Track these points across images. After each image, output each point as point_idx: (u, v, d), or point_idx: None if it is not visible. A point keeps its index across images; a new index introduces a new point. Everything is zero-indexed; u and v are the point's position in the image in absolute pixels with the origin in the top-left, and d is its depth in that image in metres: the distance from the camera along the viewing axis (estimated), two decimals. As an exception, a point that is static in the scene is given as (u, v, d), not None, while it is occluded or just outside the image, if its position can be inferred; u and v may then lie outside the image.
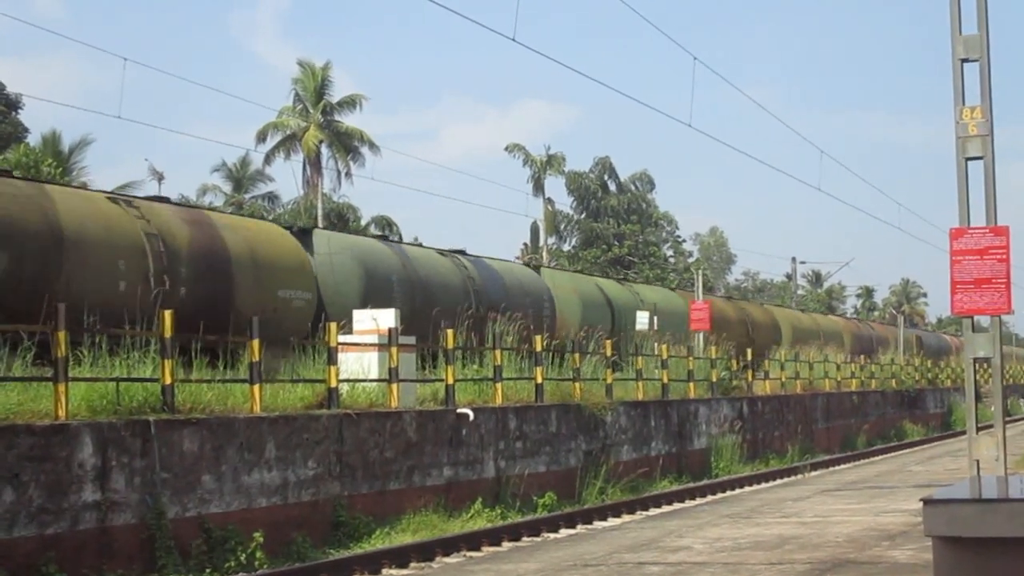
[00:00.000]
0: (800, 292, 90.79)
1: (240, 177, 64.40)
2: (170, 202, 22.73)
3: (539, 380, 24.53)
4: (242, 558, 15.97)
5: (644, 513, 23.02)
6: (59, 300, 15.66)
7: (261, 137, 62.46)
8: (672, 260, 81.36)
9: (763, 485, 28.65)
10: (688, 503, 24.63)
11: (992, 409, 13.11)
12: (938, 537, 6.70)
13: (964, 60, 12.88)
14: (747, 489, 27.62)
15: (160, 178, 58.62)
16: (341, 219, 60.04)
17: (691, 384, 32.40)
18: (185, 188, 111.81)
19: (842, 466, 34.21)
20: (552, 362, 26.65)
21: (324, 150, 62.15)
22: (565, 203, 78.00)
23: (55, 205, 18.63)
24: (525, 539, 19.24)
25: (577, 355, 26.44)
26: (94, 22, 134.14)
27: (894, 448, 43.10)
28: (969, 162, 12.80)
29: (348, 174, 62.87)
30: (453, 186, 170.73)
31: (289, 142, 62.24)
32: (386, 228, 62.27)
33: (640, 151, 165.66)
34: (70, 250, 18.41)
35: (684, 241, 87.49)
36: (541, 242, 75.89)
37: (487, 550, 18.05)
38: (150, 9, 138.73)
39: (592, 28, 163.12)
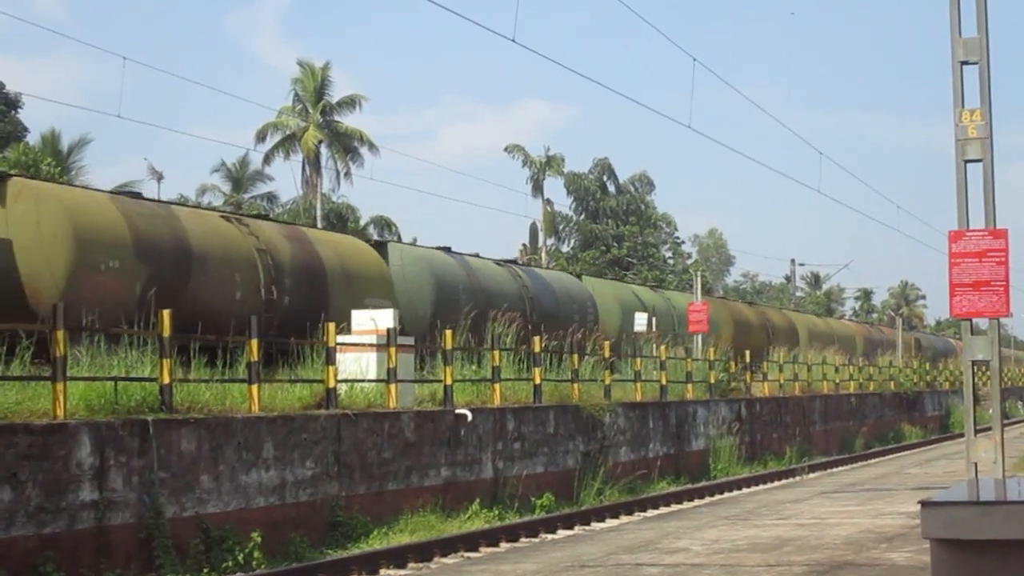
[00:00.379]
0: (799, 294, 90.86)
1: (239, 177, 64.42)
2: (269, 219, 24.84)
3: (537, 381, 24.53)
4: (240, 558, 15.97)
5: (642, 514, 23.02)
6: (187, 309, 18.01)
7: (260, 137, 62.57)
8: (671, 261, 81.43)
9: (761, 487, 28.64)
10: (686, 504, 24.62)
11: (990, 412, 13.11)
12: (936, 539, 6.70)
13: (964, 62, 12.88)
14: (745, 491, 27.61)
15: (159, 177, 58.74)
16: (340, 219, 60.11)
17: (689, 386, 32.42)
18: (184, 188, 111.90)
19: (840, 468, 34.20)
20: (550, 363, 26.67)
21: (323, 150, 62.19)
22: (564, 204, 78.15)
23: (182, 224, 20.95)
24: (523, 540, 19.24)
25: (575, 356, 26.43)
26: (94, 21, 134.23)
27: (892, 450, 43.09)
28: (968, 164, 12.80)
29: (347, 174, 62.94)
30: (452, 186, 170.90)
31: (288, 142, 62.27)
32: (385, 228, 62.34)
33: (639, 152, 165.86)
34: (196, 264, 20.66)
35: (683, 242, 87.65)
36: (540, 243, 75.91)
37: (485, 551, 18.05)
38: (150, 8, 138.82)
39: (591, 29, 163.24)
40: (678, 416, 30.79)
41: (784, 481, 30.09)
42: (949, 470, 25.33)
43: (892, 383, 53.27)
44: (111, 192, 21.53)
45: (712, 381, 33.96)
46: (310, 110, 62.00)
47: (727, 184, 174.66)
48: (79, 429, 14.37)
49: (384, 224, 63.77)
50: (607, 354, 28.03)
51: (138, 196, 21.78)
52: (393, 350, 20.25)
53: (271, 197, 65.12)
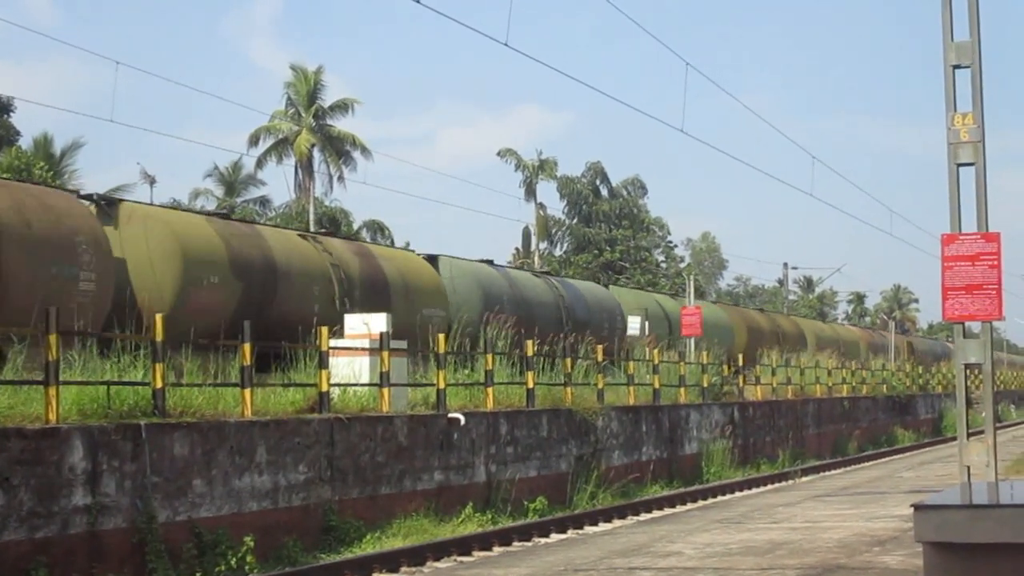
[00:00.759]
0: (792, 298, 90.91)
1: (232, 181, 64.36)
2: (337, 236, 26.90)
3: (530, 385, 24.53)
4: (232, 562, 15.94)
5: (635, 518, 23.02)
6: (273, 320, 19.84)
7: (253, 141, 62.54)
8: (664, 265, 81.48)
9: (754, 490, 28.66)
10: (679, 508, 24.62)
11: (983, 415, 13.12)
12: (928, 543, 6.71)
13: (956, 66, 12.90)
14: (738, 494, 27.62)
15: (152, 182, 58.61)
16: (333, 223, 60.00)
17: (682, 389, 32.43)
18: (177, 192, 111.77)
19: (833, 472, 34.22)
20: (543, 367, 26.69)
21: (316, 154, 62.19)
22: (557, 208, 78.17)
23: (268, 242, 23.11)
24: (516, 544, 19.23)
25: (569, 360, 26.43)
26: (87, 25, 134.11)
27: (885, 454, 43.13)
28: (961, 168, 12.82)
29: (340, 178, 62.97)
30: (446, 191, 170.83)
31: (281, 146, 62.25)
32: (378, 233, 62.30)
33: (632, 156, 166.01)
34: (281, 279, 22.80)
35: (676, 246, 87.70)
36: (533, 247, 75.92)
37: (478, 555, 18.04)
38: (143, 13, 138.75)
39: (584, 33, 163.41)
40: (671, 420, 30.81)
41: (777, 485, 30.10)
42: (942, 473, 25.35)
43: (885, 386, 53.33)
44: (206, 214, 23.85)
45: (705, 385, 33.97)
46: (303, 114, 62.00)
47: (720, 188, 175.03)
48: (72, 433, 14.35)
49: (377, 228, 63.71)
50: (600, 358, 28.04)
51: (226, 216, 24.17)
52: (386, 354, 20.24)
53: (264, 201, 65.12)
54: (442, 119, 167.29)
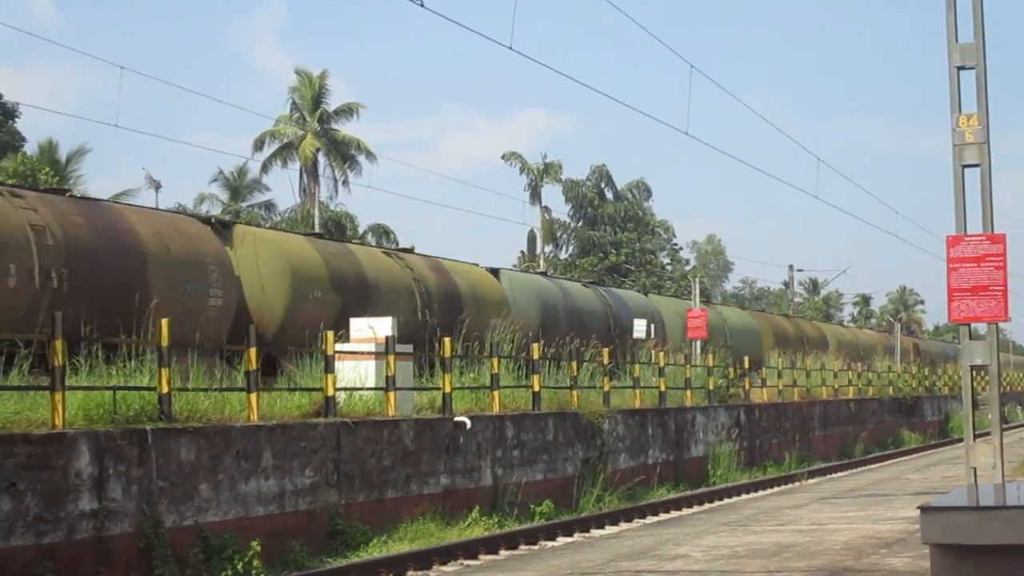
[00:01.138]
0: (797, 300, 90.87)
1: (237, 186, 64.39)
2: (414, 252, 29.14)
3: (536, 388, 24.51)
4: (239, 567, 15.95)
5: (641, 521, 23.01)
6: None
7: (258, 145, 62.57)
8: (669, 268, 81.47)
9: (760, 493, 28.64)
10: (685, 511, 24.62)
11: (989, 416, 13.10)
12: (935, 544, 6.71)
13: (960, 68, 12.89)
14: (744, 497, 27.61)
15: (157, 187, 58.70)
16: (338, 228, 60.13)
17: (688, 392, 32.40)
18: (183, 197, 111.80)
19: (839, 474, 34.20)
20: (549, 370, 26.71)
21: (321, 158, 62.21)
22: (562, 211, 78.21)
23: (359, 259, 25.68)
24: (522, 547, 19.23)
25: (575, 363, 26.43)
26: (91, 30, 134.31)
27: (891, 456, 43.09)
28: (966, 169, 12.81)
29: (345, 182, 62.98)
30: (450, 195, 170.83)
31: (286, 150, 62.28)
32: (383, 237, 62.35)
33: (637, 159, 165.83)
34: (372, 293, 25.19)
35: (681, 249, 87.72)
36: (538, 250, 75.92)
37: (484, 558, 18.04)
38: (147, 16, 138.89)
39: (588, 36, 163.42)
40: (677, 423, 30.79)
41: (783, 487, 30.09)
42: (948, 475, 25.33)
43: (891, 388, 53.28)
44: (304, 234, 26.64)
45: (711, 387, 33.95)
46: (308, 118, 62.04)
47: (725, 190, 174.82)
48: (78, 439, 14.36)
49: (382, 232, 63.77)
50: (605, 361, 28.03)
51: (322, 236, 27.16)
52: (391, 358, 20.23)
53: (269, 206, 65.16)
54: (446, 123, 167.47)
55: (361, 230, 63.19)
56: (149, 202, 50.23)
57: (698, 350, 37.81)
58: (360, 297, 24.63)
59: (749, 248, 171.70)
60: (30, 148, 48.66)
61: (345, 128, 63.41)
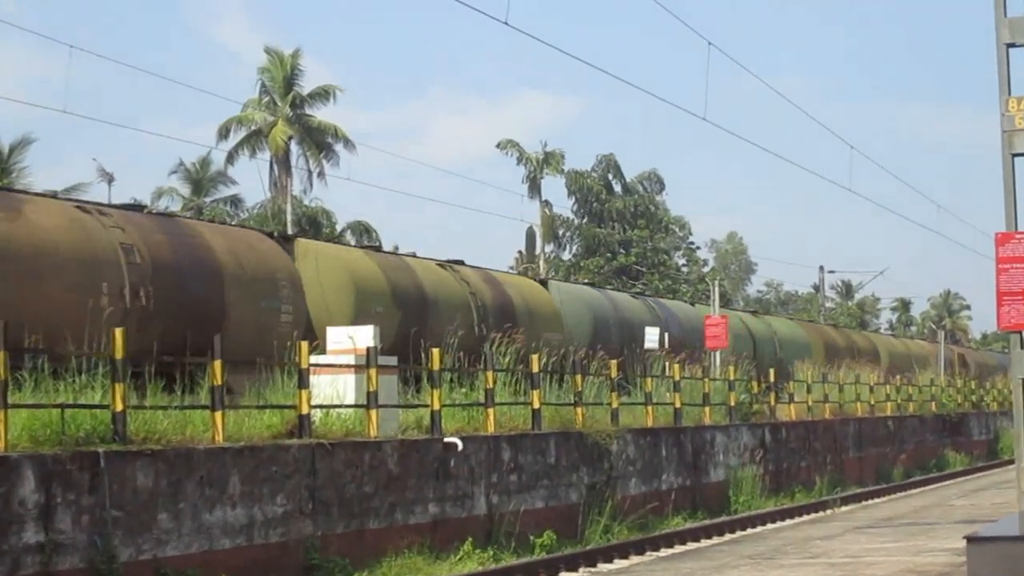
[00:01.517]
0: (828, 305, 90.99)
1: (200, 179, 64.38)
2: (464, 264, 31.11)
3: (536, 405, 24.49)
4: (203, 606, 15.95)
5: (654, 554, 23.03)
6: (425, 346, 22.34)
7: (223, 133, 62.52)
8: (685, 270, 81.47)
9: (788, 522, 28.67)
10: (704, 542, 24.64)
11: (1043, 435, 13.10)
12: (984, 579, 6.71)
13: (1010, 45, 12.91)
14: (770, 526, 27.64)
15: (110, 180, 58.72)
16: (314, 225, 60.11)
17: (707, 409, 32.38)
18: (139, 191, 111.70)
19: (876, 500, 34.23)
20: (550, 384, 26.71)
21: (294, 147, 62.20)
22: (565, 206, 78.18)
23: (417, 273, 28.01)
24: (521, 584, 19.23)
25: (579, 377, 26.43)
26: (36, 4, 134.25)
27: (934, 480, 43.13)
28: (1016, 159, 12.83)
29: (321, 174, 62.96)
30: (439, 188, 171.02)
31: (254, 139, 62.25)
32: (363, 235, 62.35)
33: (648, 148, 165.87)
34: (430, 307, 27.59)
35: (698, 248, 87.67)
36: (538, 250, 75.99)
37: (478, 596, 18.04)
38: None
39: (592, 9, 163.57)
40: (694, 443, 30.80)
41: (814, 515, 30.11)
42: (997, 501, 25.36)
43: (933, 404, 53.31)
44: (361, 247, 28.89)
45: (732, 404, 33.94)
46: (278, 103, 62.05)
47: (747, 183, 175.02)
48: (22, 463, 14.36)
49: (363, 230, 63.73)
50: (614, 373, 28.03)
51: (379, 249, 29.54)
52: (373, 371, 20.19)
53: (236, 201, 65.15)
54: (434, 107, 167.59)
55: (339, 228, 63.20)
56: (101, 196, 50.16)
57: (717, 361, 37.81)
58: (419, 312, 26.95)
59: (774, 247, 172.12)
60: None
61: (320, 113, 63.46)
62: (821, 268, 76.74)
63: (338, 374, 20.65)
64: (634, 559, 22.29)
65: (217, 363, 17.43)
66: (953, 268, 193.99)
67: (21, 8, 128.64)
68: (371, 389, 20.20)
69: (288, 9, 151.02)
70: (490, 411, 23.15)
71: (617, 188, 79.02)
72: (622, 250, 75.86)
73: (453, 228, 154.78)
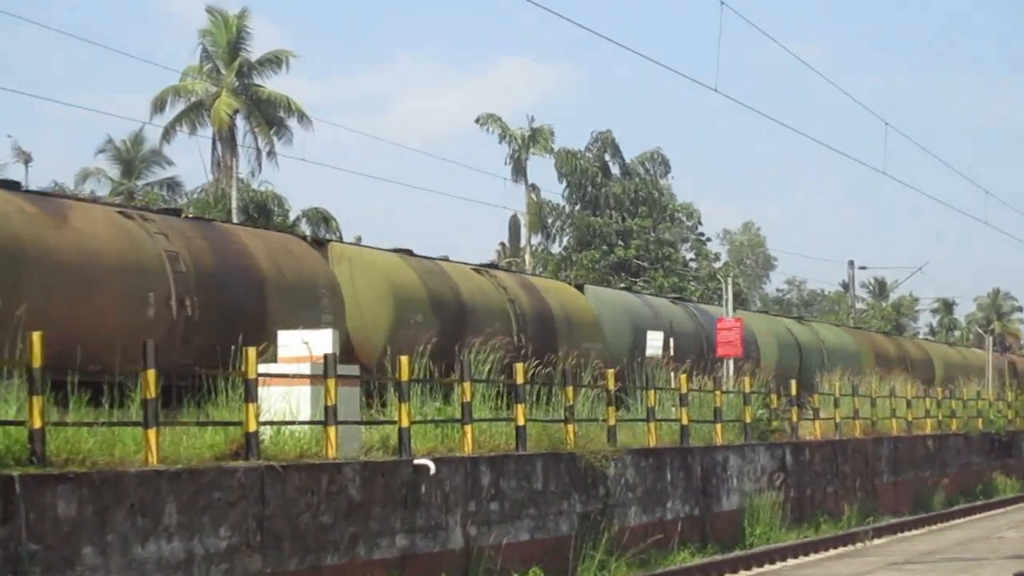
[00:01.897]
0: (860, 306, 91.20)
1: (131, 159, 64.35)
2: (509, 271, 33.72)
3: (520, 422, 24.48)
4: (134, 655, 15.94)
5: (658, 594, 23.09)
6: (462, 356, 24.21)
7: (158, 106, 62.54)
8: (693, 265, 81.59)
9: (812, 557, 28.77)
10: (715, 581, 24.71)
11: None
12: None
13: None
14: (791, 562, 27.73)
15: (27, 160, 58.63)
16: (262, 212, 60.01)
17: (718, 426, 32.39)
18: (61, 173, 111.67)
19: (914, 531, 34.37)
20: (539, 399, 26.73)
21: (240, 122, 62.26)
22: (554, 191, 78.16)
23: (454, 279, 30.28)
24: (503, 629, 19.27)
25: (571, 389, 26.41)
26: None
27: (981, 508, 43.29)
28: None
29: (271, 153, 63.08)
30: (409, 169, 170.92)
31: (195, 112, 62.29)
32: (321, 223, 62.33)
33: (651, 124, 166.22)
34: (468, 316, 29.85)
35: (709, 240, 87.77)
36: (523, 241, 76.06)
37: (454, 643, 18.06)
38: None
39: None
40: (704, 466, 30.85)
41: (842, 549, 30.22)
42: (1054, 534, 25.45)
43: (980, 420, 53.43)
44: (395, 251, 30.11)
45: (748, 420, 33.96)
46: (222, 71, 62.11)
47: (765, 165, 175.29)
48: (-77, 489, 14.33)
49: (321, 218, 63.68)
50: (611, 385, 28.02)
51: (409, 252, 30.31)
52: (332, 383, 20.14)
53: (173, 184, 65.13)
54: (403, 77, 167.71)
55: (293, 215, 63.16)
56: (16, 177, 50.06)
57: (731, 370, 37.89)
58: (457, 320, 29.03)
59: (796, 239, 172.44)
60: None
61: (271, 84, 63.57)
62: (851, 263, 76.96)
63: (292, 386, 20.59)
64: (634, 600, 22.35)
65: (151, 372, 17.39)
66: (1003, 264, 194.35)
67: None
68: (329, 403, 20.15)
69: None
70: (467, 428, 23.12)
71: (615, 170, 79.04)
72: (621, 242, 75.86)
73: (425, 215, 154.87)
